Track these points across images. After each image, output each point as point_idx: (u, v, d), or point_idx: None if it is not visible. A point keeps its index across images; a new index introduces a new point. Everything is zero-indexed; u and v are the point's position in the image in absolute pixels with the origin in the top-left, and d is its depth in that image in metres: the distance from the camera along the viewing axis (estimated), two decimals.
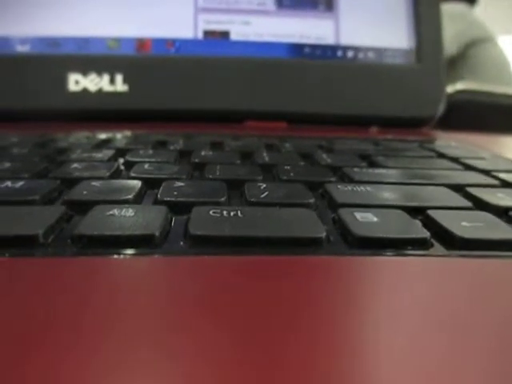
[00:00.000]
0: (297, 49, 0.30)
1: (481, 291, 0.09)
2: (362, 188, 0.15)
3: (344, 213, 0.12)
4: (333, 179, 0.16)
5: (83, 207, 0.12)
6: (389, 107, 0.31)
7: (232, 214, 0.12)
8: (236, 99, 0.29)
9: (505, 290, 0.10)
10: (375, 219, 0.12)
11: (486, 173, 0.19)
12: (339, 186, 0.15)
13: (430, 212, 0.13)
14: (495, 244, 0.11)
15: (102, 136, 0.23)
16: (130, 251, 0.10)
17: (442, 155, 0.22)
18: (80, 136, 0.22)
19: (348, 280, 0.09)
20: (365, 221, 0.12)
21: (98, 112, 0.28)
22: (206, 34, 0.30)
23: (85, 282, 0.09)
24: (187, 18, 0.30)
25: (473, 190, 0.15)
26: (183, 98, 0.28)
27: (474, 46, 1.52)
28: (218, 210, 0.12)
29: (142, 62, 0.29)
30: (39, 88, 0.28)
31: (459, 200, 0.14)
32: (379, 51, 0.31)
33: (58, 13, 0.29)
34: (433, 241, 0.11)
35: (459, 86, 1.42)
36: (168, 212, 0.12)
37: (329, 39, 0.31)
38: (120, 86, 0.28)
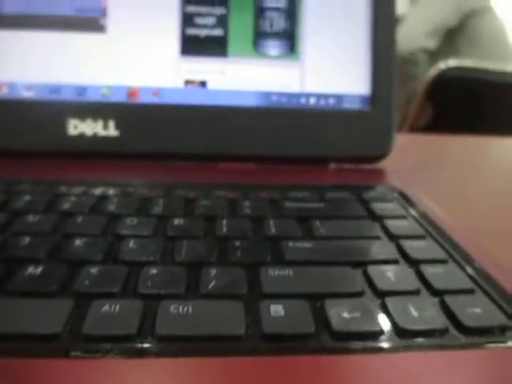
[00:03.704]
0: (265, 96, 0.35)
1: None
2: (286, 272, 0.20)
3: (263, 306, 0.18)
4: (268, 259, 0.21)
5: (85, 298, 0.18)
6: (346, 147, 0.36)
7: (185, 310, 0.17)
8: (211, 143, 0.34)
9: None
10: (283, 313, 0.18)
11: (397, 240, 0.24)
12: (269, 271, 0.20)
13: (326, 302, 0.19)
14: (365, 336, 0.17)
15: (97, 191, 0.28)
16: (118, 346, 0.16)
17: (370, 213, 0.28)
18: (79, 191, 0.28)
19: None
20: (275, 315, 0.18)
21: (93, 154, 0.33)
22: (187, 82, 0.34)
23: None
24: (170, 67, 0.34)
25: (371, 270, 0.21)
26: (166, 142, 0.33)
27: (473, 17, 1.53)
28: (176, 306, 0.17)
29: (131, 109, 0.33)
30: (43, 131, 0.33)
31: (354, 285, 0.20)
32: (339, 97, 0.36)
33: (59, 62, 0.33)
34: (321, 333, 0.17)
35: (451, 62, 1.44)
36: (143, 307, 0.17)
37: (294, 87, 0.35)
38: (112, 130, 0.33)
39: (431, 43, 1.52)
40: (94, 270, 0.20)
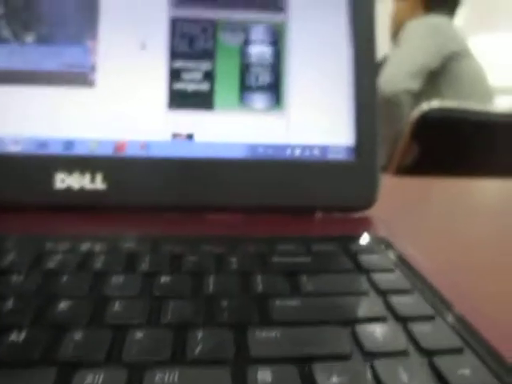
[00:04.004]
0: (251, 148, 0.36)
1: None
2: (274, 333, 0.20)
3: (250, 372, 0.18)
4: (256, 319, 0.21)
5: (69, 367, 0.17)
6: (332, 198, 0.36)
7: (171, 378, 0.17)
8: (198, 195, 0.34)
9: None
10: (270, 379, 0.17)
11: (384, 295, 0.24)
12: (256, 333, 0.20)
13: (314, 366, 0.18)
14: None
15: (84, 247, 0.28)
16: None
17: (357, 266, 0.28)
18: (65, 248, 0.27)
19: None
20: (262, 381, 0.17)
21: (80, 207, 0.33)
22: (174, 135, 0.35)
23: None
24: (158, 121, 0.35)
25: (359, 329, 0.21)
26: (154, 194, 0.34)
27: (454, 60, 1.59)
28: (162, 375, 0.17)
29: (119, 162, 0.34)
30: (29, 185, 0.33)
31: (342, 346, 0.20)
32: (323, 148, 0.37)
33: (46, 116, 0.34)
34: None
35: (434, 103, 1.48)
36: (127, 376, 0.17)
37: (280, 139, 0.36)
38: (100, 184, 0.33)
39: (414, 85, 1.56)
40: (78, 336, 0.19)
